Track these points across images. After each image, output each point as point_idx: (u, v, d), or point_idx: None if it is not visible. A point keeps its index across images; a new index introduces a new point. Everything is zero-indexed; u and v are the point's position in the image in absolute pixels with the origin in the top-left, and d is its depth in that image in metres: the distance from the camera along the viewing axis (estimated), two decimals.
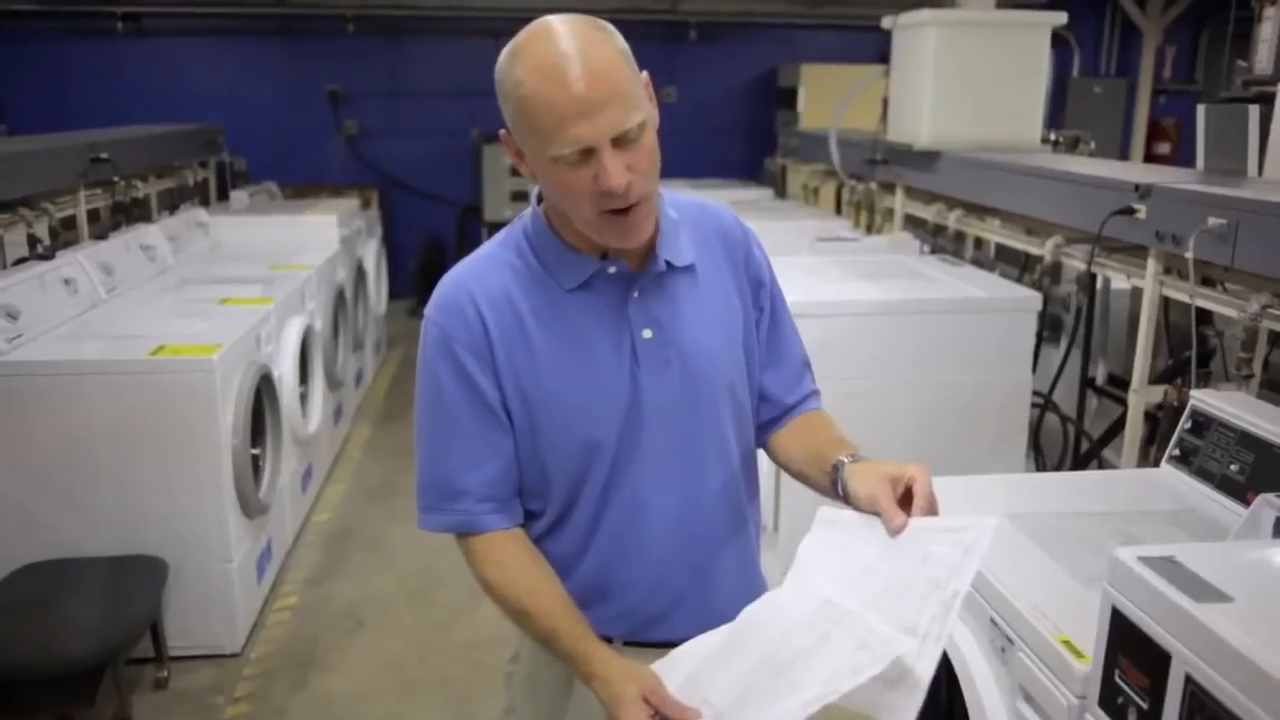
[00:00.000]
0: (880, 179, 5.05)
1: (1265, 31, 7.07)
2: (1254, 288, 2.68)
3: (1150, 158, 9.08)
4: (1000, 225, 4.17)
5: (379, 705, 3.18)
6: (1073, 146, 4.72)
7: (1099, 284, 4.04)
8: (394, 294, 7.46)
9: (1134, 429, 3.14)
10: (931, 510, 1.27)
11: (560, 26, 1.30)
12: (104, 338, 3.41)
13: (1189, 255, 2.68)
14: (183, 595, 3.26)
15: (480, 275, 1.42)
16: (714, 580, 1.50)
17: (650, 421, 1.41)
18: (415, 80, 8.39)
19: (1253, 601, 1.32)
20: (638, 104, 1.29)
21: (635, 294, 1.41)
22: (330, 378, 4.77)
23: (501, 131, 1.36)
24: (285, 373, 3.96)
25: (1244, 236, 2.60)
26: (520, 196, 8.07)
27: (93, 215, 4.49)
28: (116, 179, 4.64)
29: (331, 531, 4.33)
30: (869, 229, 5.18)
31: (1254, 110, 3.30)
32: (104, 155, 4.40)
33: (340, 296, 5.17)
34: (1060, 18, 4.49)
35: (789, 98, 7.83)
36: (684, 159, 8.41)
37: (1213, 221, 2.66)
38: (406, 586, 3.87)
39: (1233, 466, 2.13)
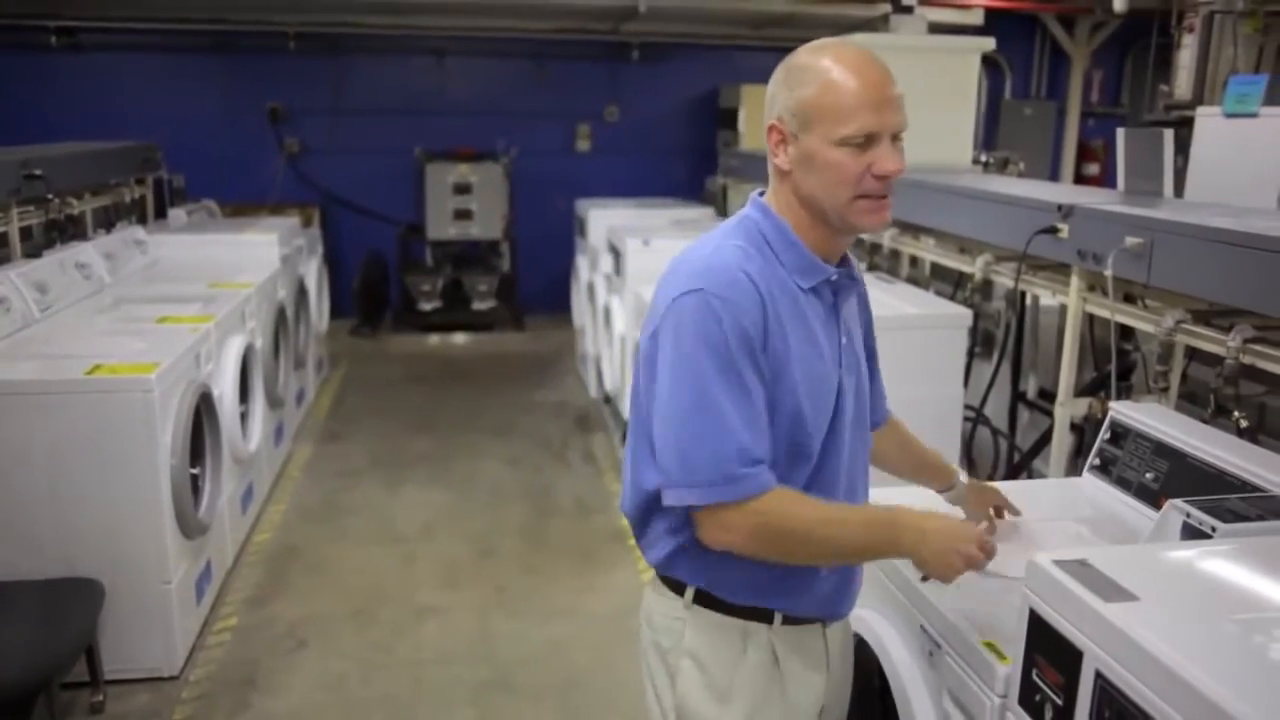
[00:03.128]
0: None
1: (1184, 58, 7.36)
2: (1171, 304, 2.81)
3: (1079, 178, 9.35)
4: (934, 244, 4.29)
5: None
6: (1002, 167, 4.88)
7: (1028, 301, 4.18)
8: (336, 313, 7.41)
9: (1060, 440, 3.25)
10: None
11: (860, 44, 1.60)
12: (39, 357, 3.37)
13: (1108, 273, 2.79)
14: (119, 617, 3.21)
15: (745, 261, 1.53)
16: (858, 571, 1.77)
17: (844, 422, 1.62)
18: (358, 98, 8.38)
19: (1158, 601, 1.39)
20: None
21: (841, 302, 1.64)
22: (271, 397, 4.73)
23: (773, 120, 1.54)
24: (225, 392, 3.93)
25: (1159, 255, 2.72)
26: (464, 215, 8.09)
27: (25, 233, 4.42)
28: (50, 196, 4.58)
29: (273, 551, 4.29)
30: None
31: (1168, 134, 3.44)
32: (37, 172, 4.33)
33: (281, 315, 5.13)
34: (988, 43, 4.64)
35: (730, 118, 7.94)
36: (627, 178, 8.52)
37: (1130, 240, 2.78)
38: (349, 606, 3.85)
39: (1148, 475, 2.23)
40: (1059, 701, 1.44)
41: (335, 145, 8.40)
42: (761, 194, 1.65)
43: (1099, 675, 1.36)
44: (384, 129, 8.38)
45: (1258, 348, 2.49)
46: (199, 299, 4.32)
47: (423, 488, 5.03)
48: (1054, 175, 9.27)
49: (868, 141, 1.48)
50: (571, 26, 8.20)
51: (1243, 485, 1.93)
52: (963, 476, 2.04)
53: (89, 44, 7.89)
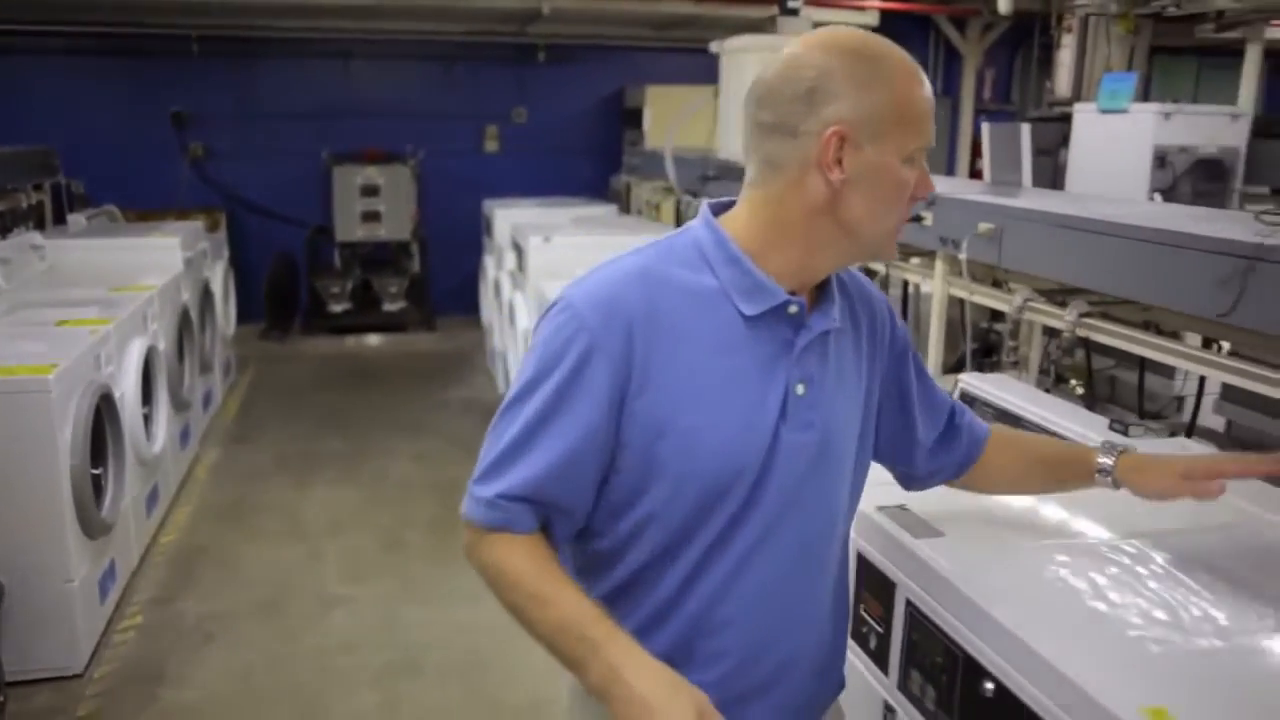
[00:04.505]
0: (712, 194, 5.34)
1: (1064, 57, 7.75)
2: (1030, 285, 3.04)
3: (974, 172, 9.74)
4: None
5: (229, 715, 3.22)
6: None
7: (911, 289, 4.42)
8: (244, 317, 7.38)
9: None
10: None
11: None
12: None
13: (962, 257, 3.01)
14: (21, 617, 3.23)
15: (644, 279, 1.27)
16: (806, 673, 1.38)
17: (778, 483, 1.29)
18: (264, 102, 8.34)
19: (961, 536, 1.58)
20: None
21: (802, 343, 1.30)
22: (176, 399, 4.74)
23: (837, 124, 1.21)
24: (127, 393, 3.95)
25: (1009, 239, 2.95)
26: (372, 217, 8.12)
27: None
28: None
29: (179, 552, 4.31)
30: None
31: (1025, 128, 3.68)
32: None
33: (185, 318, 5.14)
34: None
35: (635, 118, 8.11)
36: (535, 178, 8.62)
37: (983, 226, 3.00)
38: (257, 600, 3.90)
39: None
40: (880, 630, 1.61)
41: (241, 149, 8.35)
42: (721, 205, 1.36)
43: (909, 604, 1.54)
44: (291, 132, 8.36)
45: (1092, 321, 2.72)
46: (99, 302, 4.32)
47: (332, 486, 5.08)
48: (950, 170, 9.63)
49: (919, 156, 1.25)
50: (478, 29, 8.29)
51: (1061, 438, 2.14)
52: (1106, 459, 1.51)
53: None
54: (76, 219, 6.07)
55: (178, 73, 8.14)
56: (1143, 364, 3.17)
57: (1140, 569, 1.47)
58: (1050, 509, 1.71)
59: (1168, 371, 3.36)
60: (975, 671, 1.39)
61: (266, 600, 3.90)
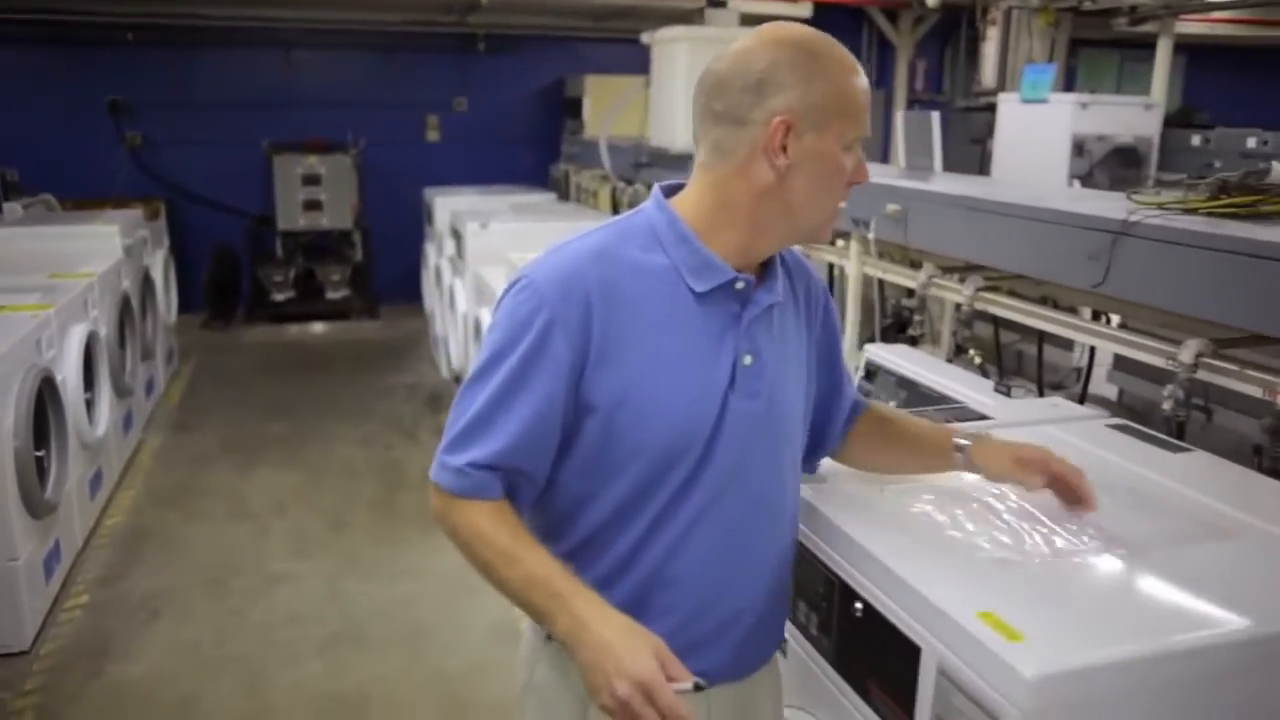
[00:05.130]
0: (645, 180, 5.51)
1: (989, 49, 8.03)
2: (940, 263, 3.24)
3: None
4: None
5: (176, 686, 3.32)
6: None
7: (837, 271, 4.61)
8: (185, 307, 7.41)
9: None
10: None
11: None
12: None
13: (871, 236, 3.20)
14: None
15: (600, 257, 1.35)
16: (751, 626, 1.48)
17: (726, 449, 1.39)
18: (203, 91, 8.34)
19: (840, 482, 1.75)
20: None
21: (749, 317, 1.39)
22: (118, 385, 4.80)
23: (783, 112, 1.30)
24: (69, 377, 4.02)
25: (913, 220, 3.15)
26: (314, 206, 8.17)
27: None
28: None
29: (124, 533, 4.39)
30: None
31: (936, 116, 3.88)
32: None
33: (126, 305, 5.19)
34: None
35: (575, 107, 8.24)
36: (476, 166, 8.73)
37: (890, 208, 3.19)
38: (202, 578, 4.00)
39: (892, 402, 2.62)
40: None
41: (180, 138, 8.34)
42: (671, 188, 1.45)
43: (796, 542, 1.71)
44: (230, 121, 8.37)
45: (988, 295, 2.93)
46: (39, 289, 4.36)
47: (276, 470, 5.17)
48: (885, 158, 9.89)
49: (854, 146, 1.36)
50: (418, 19, 8.35)
51: (946, 400, 2.34)
52: (963, 440, 1.65)
53: None
54: (12, 208, 6.06)
55: (114, 61, 8.12)
56: (1041, 337, 3.39)
57: (997, 505, 1.65)
58: None
59: (1067, 345, 3.59)
60: (849, 595, 1.57)
61: (212, 578, 4.00)
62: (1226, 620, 1.33)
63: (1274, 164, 2.38)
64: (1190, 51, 9.90)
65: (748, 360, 1.39)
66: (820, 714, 1.70)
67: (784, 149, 1.31)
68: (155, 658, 3.46)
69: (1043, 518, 1.61)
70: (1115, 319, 3.02)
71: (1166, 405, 2.20)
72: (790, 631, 1.75)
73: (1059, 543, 1.53)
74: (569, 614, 1.28)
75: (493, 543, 1.33)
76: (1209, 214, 2.31)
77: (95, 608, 3.78)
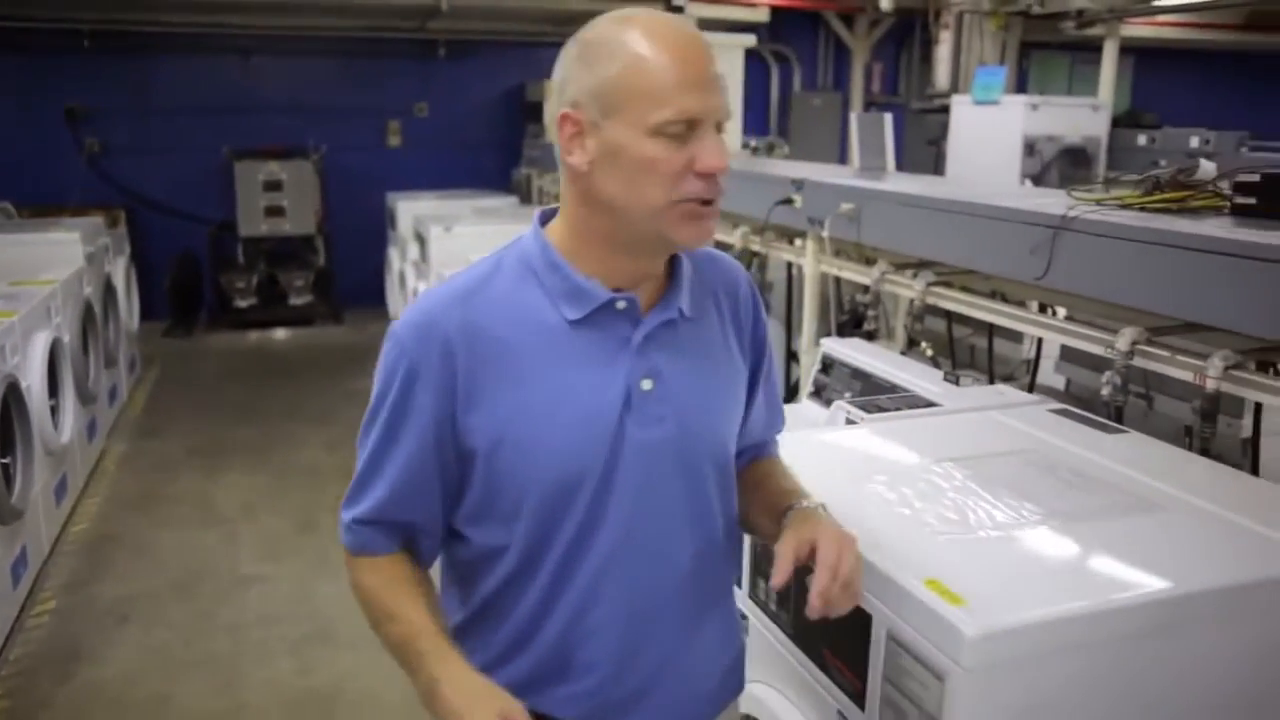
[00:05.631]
0: None
1: (942, 52, 8.19)
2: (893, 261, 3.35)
3: None
4: None
5: (147, 686, 3.34)
6: (770, 151, 5.41)
7: (795, 270, 4.72)
8: (147, 315, 7.37)
9: (806, 381, 3.77)
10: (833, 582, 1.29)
11: (672, 14, 1.35)
12: None
13: (825, 234, 3.30)
14: None
15: (465, 300, 1.28)
16: (679, 679, 1.39)
17: (630, 482, 1.29)
18: (162, 97, 8.32)
19: (805, 468, 1.84)
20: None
21: (640, 338, 1.29)
22: (82, 392, 4.80)
23: (566, 107, 1.23)
24: (34, 384, 4.02)
25: (866, 218, 3.25)
26: (276, 211, 8.17)
27: None
28: None
29: (91, 540, 4.39)
30: None
31: (887, 117, 4.00)
32: None
33: (89, 312, 5.18)
34: (749, 39, 5.16)
35: (536, 111, 8.31)
36: (438, 171, 8.77)
37: (844, 206, 3.29)
38: (171, 581, 4.02)
39: (847, 394, 2.72)
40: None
41: (140, 145, 8.31)
42: (548, 213, 1.37)
43: None
44: (191, 128, 8.35)
45: (938, 290, 3.04)
46: (1, 296, 4.36)
47: (243, 474, 5.19)
48: (842, 159, 10.04)
49: (688, 130, 1.19)
50: (378, 24, 8.38)
51: (898, 389, 2.44)
52: (791, 510, 1.41)
53: None
54: None
55: (71, 68, 8.07)
56: (991, 330, 3.51)
57: (943, 484, 1.75)
58: (875, 444, 2.00)
59: (1017, 338, 3.72)
60: (806, 571, 1.65)
61: (181, 582, 4.02)
62: (1150, 582, 1.43)
63: (1203, 161, 2.50)
64: (1138, 54, 10.15)
65: (646, 385, 1.29)
66: (782, 686, 1.79)
67: (583, 146, 1.22)
68: (126, 660, 3.49)
69: (984, 494, 1.71)
70: (1061, 312, 3.15)
71: (1105, 391, 2.32)
72: (750, 609, 1.84)
73: (1000, 516, 1.63)
74: (425, 673, 1.25)
75: (375, 599, 1.33)
76: (1142, 209, 2.43)
77: (63, 613, 3.79)
